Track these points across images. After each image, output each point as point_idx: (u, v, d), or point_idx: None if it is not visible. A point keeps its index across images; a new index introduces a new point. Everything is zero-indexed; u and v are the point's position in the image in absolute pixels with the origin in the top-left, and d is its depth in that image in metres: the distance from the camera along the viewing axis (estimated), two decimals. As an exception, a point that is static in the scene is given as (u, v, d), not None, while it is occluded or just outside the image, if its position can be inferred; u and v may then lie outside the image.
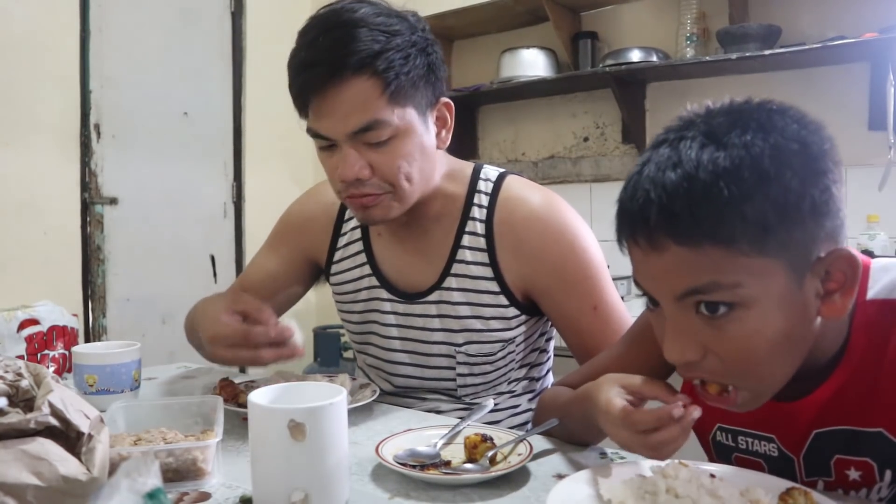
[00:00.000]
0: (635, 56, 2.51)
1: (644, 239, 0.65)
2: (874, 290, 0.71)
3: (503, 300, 1.09)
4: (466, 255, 1.09)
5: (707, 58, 2.35)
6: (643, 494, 0.66)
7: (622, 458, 0.84)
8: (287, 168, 3.45)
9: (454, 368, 1.13)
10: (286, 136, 3.51)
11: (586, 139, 2.88)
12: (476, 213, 1.10)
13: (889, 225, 2.10)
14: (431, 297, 1.12)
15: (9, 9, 2.49)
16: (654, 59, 2.49)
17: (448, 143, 1.07)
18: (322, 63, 0.93)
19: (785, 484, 0.67)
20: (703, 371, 0.67)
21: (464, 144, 3.12)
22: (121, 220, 2.84)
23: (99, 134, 2.78)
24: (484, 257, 1.09)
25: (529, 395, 1.20)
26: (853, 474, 0.73)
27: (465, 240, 1.09)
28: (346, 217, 1.22)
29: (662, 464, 0.71)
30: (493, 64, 2.87)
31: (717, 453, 0.86)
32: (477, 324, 1.09)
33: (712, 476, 0.69)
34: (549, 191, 1.12)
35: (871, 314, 0.70)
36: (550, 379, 1.27)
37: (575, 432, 0.89)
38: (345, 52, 0.92)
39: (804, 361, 0.69)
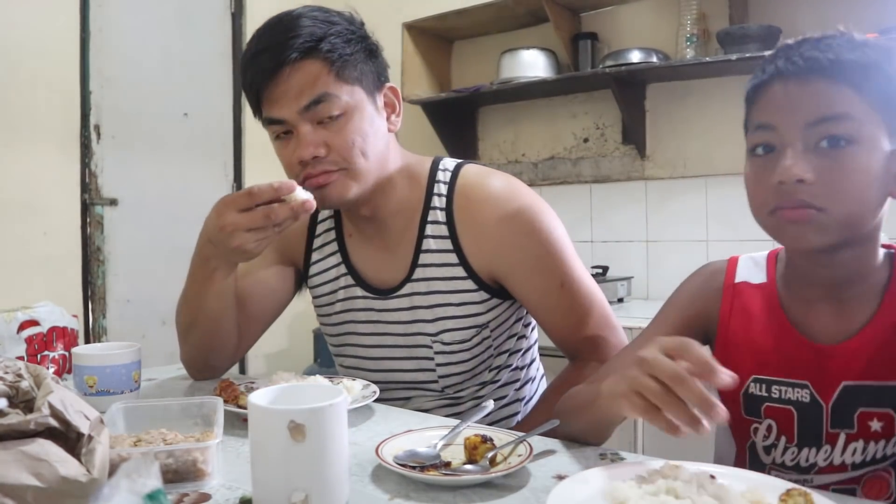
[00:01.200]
0: (635, 57, 2.51)
1: (795, 75, 0.77)
2: None
3: (471, 284, 1.10)
4: (431, 243, 1.12)
5: (707, 59, 2.35)
6: (643, 494, 0.66)
7: (622, 458, 0.84)
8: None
9: (432, 359, 1.14)
10: (286, 137, 3.53)
11: (586, 140, 2.88)
12: (436, 202, 1.12)
13: (889, 225, 2.09)
14: (404, 291, 1.13)
15: (8, 10, 2.49)
16: (655, 59, 2.49)
17: (399, 126, 1.11)
18: (269, 50, 1.01)
19: (785, 485, 0.68)
20: (808, 194, 0.75)
21: (464, 145, 3.12)
22: (121, 221, 2.84)
23: (99, 135, 2.78)
24: (447, 244, 1.11)
25: (515, 385, 1.21)
26: (875, 425, 0.79)
27: (429, 229, 1.12)
28: (320, 219, 1.23)
29: (661, 464, 0.71)
30: (493, 65, 2.87)
31: (747, 408, 0.88)
32: (448, 311, 1.11)
33: (712, 476, 0.69)
34: (506, 174, 1.14)
35: None
36: (537, 368, 1.28)
37: (588, 427, 0.88)
38: (290, 37, 1.00)
39: (846, 272, 0.81)
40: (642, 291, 2.70)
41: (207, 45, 3.18)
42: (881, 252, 0.84)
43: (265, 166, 3.34)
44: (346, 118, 1.02)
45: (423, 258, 1.12)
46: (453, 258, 1.10)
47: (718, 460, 0.96)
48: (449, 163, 1.16)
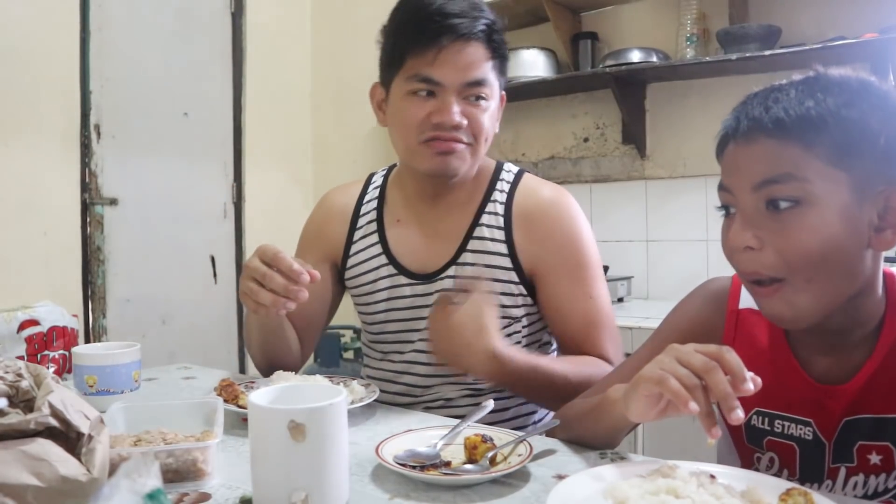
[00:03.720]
0: (635, 56, 2.51)
1: (743, 134, 0.75)
2: None
3: (514, 276, 1.18)
4: (485, 232, 1.19)
5: (707, 58, 2.35)
6: (643, 494, 0.66)
7: (622, 458, 0.84)
8: (287, 168, 3.46)
9: None
10: (286, 136, 3.53)
11: (586, 140, 2.88)
12: (497, 196, 1.22)
13: None
14: (449, 272, 1.19)
15: (8, 9, 2.49)
16: (655, 59, 2.49)
17: (497, 130, 1.21)
18: (463, 17, 1.09)
19: (785, 484, 0.68)
20: (758, 263, 0.74)
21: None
22: (121, 220, 2.84)
23: (99, 134, 2.78)
24: (501, 235, 1.19)
25: None
26: (874, 458, 0.78)
27: (485, 219, 1.20)
28: (362, 212, 1.29)
29: (661, 464, 0.71)
30: (493, 64, 2.87)
31: (749, 438, 0.88)
32: None
33: (712, 476, 0.69)
34: (560, 187, 1.24)
35: None
36: None
37: (597, 431, 0.88)
38: (479, 16, 1.11)
39: (847, 324, 0.78)
40: (642, 291, 2.70)
41: (207, 44, 3.18)
42: (879, 292, 0.79)
43: (265, 166, 3.35)
44: (486, 104, 1.13)
45: (473, 244, 1.19)
46: (503, 248, 1.18)
47: None
48: (513, 167, 1.27)
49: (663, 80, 2.63)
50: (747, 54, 2.22)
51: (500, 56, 1.15)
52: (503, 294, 1.17)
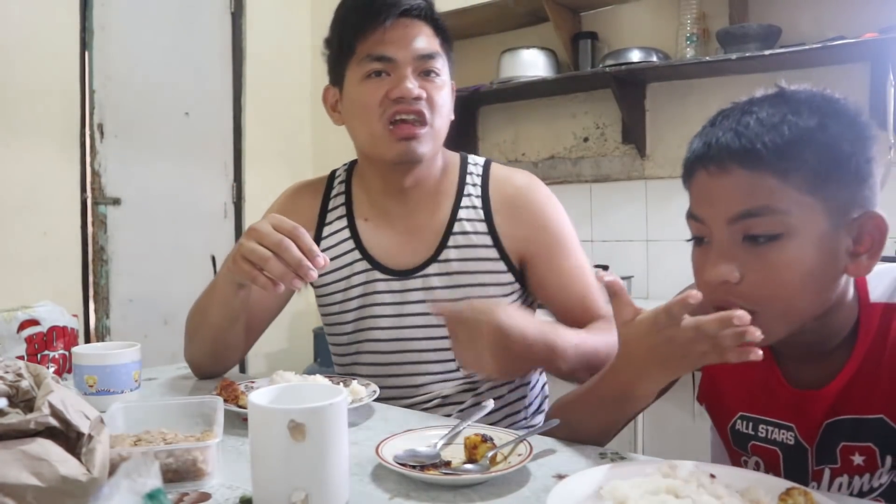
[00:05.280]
0: (635, 56, 2.51)
1: (714, 162, 0.73)
2: (876, 294, 0.78)
3: (501, 266, 1.18)
4: (466, 225, 1.19)
5: (707, 58, 2.35)
6: (643, 494, 0.66)
7: (622, 458, 0.84)
8: (287, 168, 3.46)
9: None
10: (286, 136, 3.52)
11: (586, 139, 2.88)
12: (471, 190, 1.21)
13: (889, 224, 2.09)
14: (430, 270, 1.17)
15: (8, 8, 2.49)
16: (654, 59, 2.49)
17: (452, 117, 1.20)
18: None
19: (785, 484, 0.67)
20: (737, 295, 0.72)
21: (464, 145, 3.11)
22: (123, 220, 2.85)
23: (102, 133, 2.78)
24: (483, 227, 1.19)
25: (517, 382, 1.23)
26: (857, 459, 0.78)
27: (463, 213, 1.19)
28: (330, 207, 1.25)
29: (661, 464, 0.71)
30: (493, 64, 2.87)
31: (735, 442, 0.88)
32: (476, 291, 1.16)
33: (712, 476, 0.69)
34: (527, 171, 1.27)
35: (875, 311, 0.77)
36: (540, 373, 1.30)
37: (594, 417, 0.88)
38: None
39: (821, 337, 0.77)
40: (642, 291, 2.70)
41: (207, 44, 3.18)
42: (850, 296, 0.78)
43: (265, 166, 3.36)
44: (441, 80, 1.15)
45: (455, 240, 1.18)
46: (488, 240, 1.18)
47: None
48: (477, 159, 1.26)
49: (663, 79, 2.64)
50: (747, 54, 2.22)
51: (446, 37, 1.16)
52: (493, 285, 1.17)
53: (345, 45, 1.14)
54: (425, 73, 1.12)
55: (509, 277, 1.18)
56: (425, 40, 1.13)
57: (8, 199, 2.49)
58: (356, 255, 1.21)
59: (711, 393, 0.92)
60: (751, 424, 0.86)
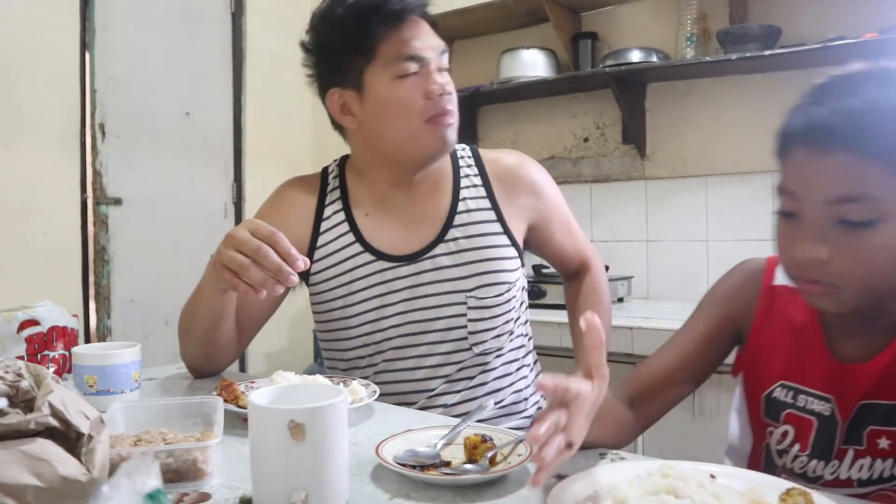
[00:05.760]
0: (635, 56, 2.51)
1: (816, 142, 0.72)
2: None
3: (505, 240, 1.23)
4: (469, 204, 1.24)
5: (707, 58, 2.35)
6: (643, 494, 0.66)
7: (622, 458, 0.84)
8: (287, 168, 3.43)
9: (465, 315, 1.19)
10: (286, 136, 3.52)
11: (586, 139, 2.88)
12: (467, 171, 1.27)
13: None
14: (438, 251, 1.20)
15: (8, 8, 2.49)
16: (655, 59, 2.49)
17: None
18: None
19: (785, 484, 0.68)
20: (823, 273, 0.73)
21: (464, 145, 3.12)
22: (125, 220, 2.84)
23: (104, 133, 2.77)
24: (486, 203, 1.24)
25: (516, 365, 1.26)
26: (883, 443, 0.80)
27: (465, 193, 1.24)
28: (327, 203, 1.25)
29: (661, 464, 0.71)
30: (493, 64, 2.87)
31: (767, 411, 0.90)
32: (484, 266, 1.20)
33: (712, 476, 0.69)
34: (514, 150, 1.35)
35: None
36: (534, 360, 1.33)
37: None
38: None
39: (877, 312, 0.79)
40: (642, 291, 2.70)
41: (208, 44, 3.18)
42: None
43: (265, 166, 3.35)
44: (450, 75, 1.20)
45: (459, 218, 1.22)
46: (492, 216, 1.23)
47: (731, 450, 0.97)
48: (461, 145, 1.31)
49: (663, 79, 2.63)
50: (747, 54, 2.22)
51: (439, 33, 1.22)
52: (499, 259, 1.21)
53: (361, 47, 1.14)
54: (440, 69, 1.17)
55: (513, 252, 1.23)
56: (437, 38, 1.18)
57: (8, 199, 2.49)
58: (357, 247, 1.21)
59: (751, 363, 0.93)
60: (791, 393, 0.87)
